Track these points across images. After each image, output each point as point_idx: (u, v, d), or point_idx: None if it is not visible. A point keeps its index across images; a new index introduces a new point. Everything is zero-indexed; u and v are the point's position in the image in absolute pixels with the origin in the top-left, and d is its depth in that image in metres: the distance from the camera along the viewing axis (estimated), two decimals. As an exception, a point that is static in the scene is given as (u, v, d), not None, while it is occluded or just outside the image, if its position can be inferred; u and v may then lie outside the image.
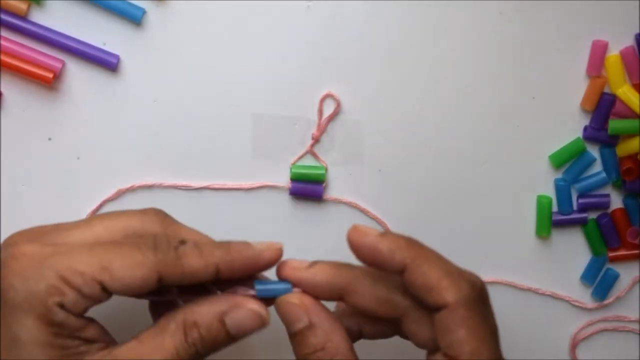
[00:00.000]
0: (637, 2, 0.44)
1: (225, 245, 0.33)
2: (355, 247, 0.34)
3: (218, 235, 0.45)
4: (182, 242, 0.33)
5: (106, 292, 0.31)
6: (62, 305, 0.30)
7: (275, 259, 0.34)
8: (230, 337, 0.32)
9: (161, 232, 0.34)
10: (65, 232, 0.33)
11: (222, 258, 0.32)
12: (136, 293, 0.32)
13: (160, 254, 0.32)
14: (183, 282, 0.32)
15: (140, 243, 0.32)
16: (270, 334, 0.43)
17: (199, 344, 0.32)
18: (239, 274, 0.33)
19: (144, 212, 0.35)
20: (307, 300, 0.34)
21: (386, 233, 0.34)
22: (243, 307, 0.32)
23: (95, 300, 0.31)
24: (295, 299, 0.33)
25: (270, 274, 0.36)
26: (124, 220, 0.34)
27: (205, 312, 0.32)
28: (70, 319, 0.31)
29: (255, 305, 0.33)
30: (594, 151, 0.45)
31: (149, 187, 0.44)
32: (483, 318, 0.33)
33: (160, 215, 0.36)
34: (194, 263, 0.32)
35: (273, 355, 0.44)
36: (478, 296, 0.33)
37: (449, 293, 0.32)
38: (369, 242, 0.34)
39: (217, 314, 0.32)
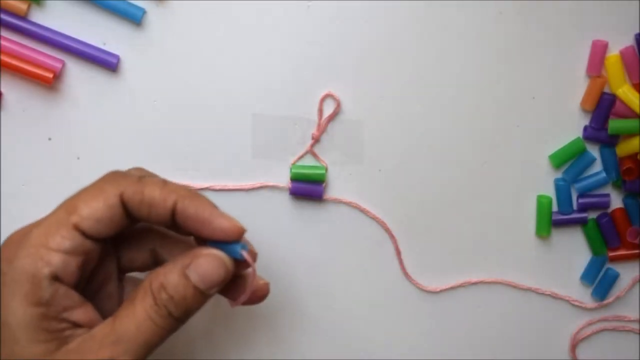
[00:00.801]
0: (637, 2, 0.44)
1: (192, 192, 0.33)
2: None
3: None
4: (151, 176, 0.33)
5: (87, 237, 0.31)
6: (55, 277, 0.30)
7: (230, 234, 0.32)
8: (199, 292, 0.32)
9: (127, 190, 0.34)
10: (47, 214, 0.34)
11: (181, 199, 0.32)
12: (112, 226, 0.31)
13: (122, 182, 0.32)
14: (142, 214, 0.32)
15: (104, 179, 0.33)
16: (270, 331, 0.43)
17: (170, 305, 0.31)
18: (192, 226, 0.32)
19: (114, 172, 0.35)
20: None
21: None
22: (202, 255, 0.32)
23: (82, 253, 0.31)
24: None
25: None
26: (96, 182, 0.34)
27: (168, 271, 0.32)
28: (60, 293, 0.30)
29: (213, 251, 0.32)
30: (594, 151, 0.45)
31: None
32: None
33: (136, 167, 0.36)
34: (155, 193, 0.32)
35: (271, 354, 0.44)
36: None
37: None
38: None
39: (179, 270, 0.31)
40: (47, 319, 0.30)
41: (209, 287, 0.32)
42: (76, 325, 0.31)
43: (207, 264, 0.32)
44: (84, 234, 0.31)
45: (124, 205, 0.32)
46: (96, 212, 0.31)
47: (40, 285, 0.30)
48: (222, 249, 0.32)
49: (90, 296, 0.33)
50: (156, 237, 0.36)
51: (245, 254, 0.32)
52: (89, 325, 0.31)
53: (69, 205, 0.32)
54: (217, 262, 0.32)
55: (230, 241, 0.32)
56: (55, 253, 0.30)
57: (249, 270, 0.33)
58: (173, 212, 0.32)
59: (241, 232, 0.33)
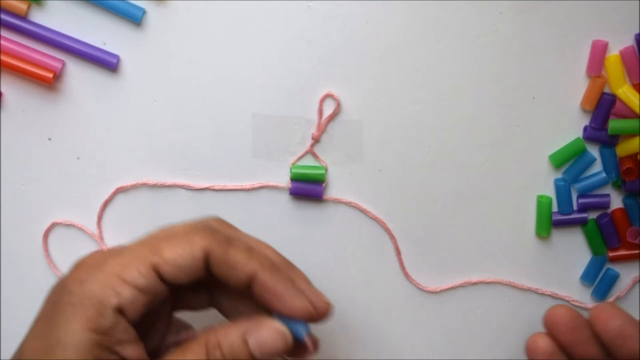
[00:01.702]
0: (637, 2, 0.44)
1: (274, 264, 0.33)
2: (598, 323, 0.38)
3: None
4: (237, 237, 0.33)
5: (162, 280, 0.31)
6: (120, 309, 0.30)
7: (298, 314, 0.32)
8: (253, 358, 0.32)
9: (213, 246, 0.34)
10: (127, 245, 0.34)
11: (263, 269, 0.32)
12: (189, 276, 0.31)
13: (210, 235, 0.32)
14: (222, 273, 0.32)
15: (193, 229, 0.32)
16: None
17: None
18: (265, 297, 0.32)
19: (204, 218, 0.35)
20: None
21: (635, 320, 0.36)
22: (266, 325, 0.32)
23: (152, 294, 0.31)
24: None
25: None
26: (181, 225, 0.34)
27: (228, 331, 0.31)
28: (119, 327, 0.30)
29: (278, 325, 0.32)
30: (594, 151, 0.45)
31: (151, 187, 0.44)
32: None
33: (220, 220, 0.35)
34: (239, 256, 0.32)
35: None
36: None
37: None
38: (615, 323, 0.39)
39: (240, 333, 0.31)
40: (101, 347, 0.30)
41: (264, 357, 0.32)
42: None
43: (269, 335, 0.32)
44: (161, 276, 0.31)
45: (206, 260, 0.32)
46: (179, 259, 0.31)
47: (104, 314, 0.30)
48: (287, 324, 0.32)
49: (141, 330, 0.33)
50: (219, 285, 0.35)
51: (307, 340, 0.32)
52: None
53: (154, 244, 0.32)
54: (279, 337, 0.32)
55: (299, 320, 0.32)
56: (127, 287, 0.30)
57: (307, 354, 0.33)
58: (250, 280, 0.32)
59: (310, 315, 0.32)
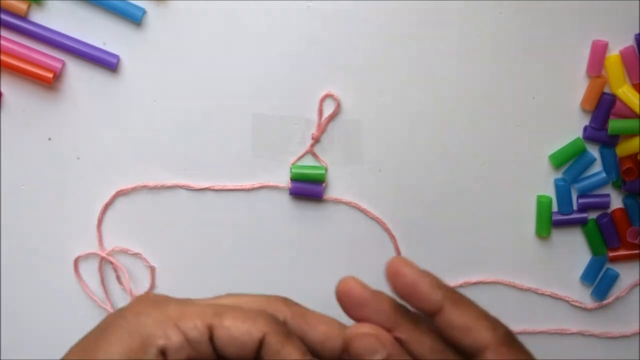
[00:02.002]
0: (637, 2, 0.44)
1: None
2: (394, 278, 0.33)
3: (217, 234, 0.45)
4: (297, 338, 0.33)
5: (212, 345, 0.31)
6: (163, 351, 0.30)
7: None
8: None
9: (286, 313, 0.34)
10: (195, 299, 0.34)
11: None
12: (238, 352, 0.31)
13: (273, 323, 0.32)
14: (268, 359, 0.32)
15: (259, 310, 0.32)
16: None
17: None
18: None
19: (272, 295, 0.35)
20: (380, 331, 0.32)
21: (427, 271, 0.33)
22: None
23: (199, 351, 0.31)
24: (368, 328, 0.32)
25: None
26: (250, 296, 0.34)
27: None
28: None
29: None
30: (594, 151, 0.45)
31: (151, 188, 0.44)
32: (524, 355, 0.33)
33: (288, 300, 0.35)
34: (294, 353, 0.31)
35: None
36: (514, 336, 0.33)
37: (488, 332, 0.32)
38: (410, 275, 0.32)
39: None
40: None
41: None
42: None
43: None
44: (213, 340, 0.31)
45: (261, 345, 0.31)
46: (236, 331, 0.31)
47: (147, 350, 0.30)
48: None
49: None
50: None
51: None
52: None
53: (219, 308, 0.31)
54: None
55: None
56: (178, 333, 0.30)
57: None
58: None
59: None
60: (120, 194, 0.44)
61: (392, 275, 0.33)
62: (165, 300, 0.32)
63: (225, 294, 0.35)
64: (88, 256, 0.44)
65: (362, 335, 0.32)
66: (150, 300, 0.32)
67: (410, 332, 0.33)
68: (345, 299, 0.33)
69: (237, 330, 0.31)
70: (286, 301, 0.35)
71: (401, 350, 0.32)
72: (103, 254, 0.43)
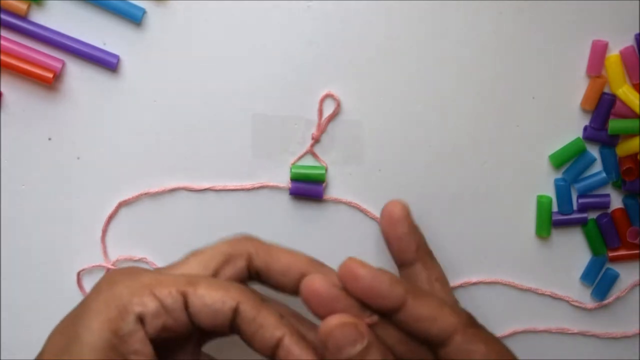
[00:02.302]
0: (637, 2, 0.44)
1: (301, 334, 0.32)
2: (350, 281, 0.32)
3: (218, 234, 0.45)
4: (272, 304, 0.33)
5: (187, 312, 0.31)
6: (140, 318, 0.30)
7: None
8: None
9: (250, 248, 0.35)
10: (167, 268, 0.34)
11: (289, 336, 0.32)
12: (213, 320, 0.31)
13: (247, 291, 0.32)
14: (249, 330, 0.32)
15: (235, 285, 0.32)
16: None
17: None
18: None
19: (232, 237, 0.35)
20: (357, 319, 0.32)
21: (382, 269, 0.33)
22: None
23: (174, 319, 0.31)
24: (345, 317, 0.31)
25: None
26: (213, 248, 0.35)
27: None
28: (137, 336, 0.30)
29: None
30: (594, 151, 0.45)
31: (153, 195, 0.44)
32: (488, 334, 0.33)
33: (250, 236, 0.36)
34: (270, 318, 0.32)
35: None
36: (475, 318, 0.33)
37: (453, 318, 0.32)
38: (368, 276, 0.32)
39: None
40: (115, 352, 0.30)
41: None
42: None
43: None
44: (187, 307, 0.31)
45: (236, 313, 0.32)
46: (209, 299, 0.31)
47: (125, 318, 0.30)
48: None
49: (164, 353, 0.33)
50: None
51: None
52: None
53: (193, 278, 0.32)
54: None
55: None
56: (154, 300, 0.31)
57: None
58: (277, 344, 0.32)
59: None
60: (123, 204, 0.44)
61: (348, 278, 0.32)
62: (139, 270, 0.33)
63: (190, 252, 0.35)
64: (92, 262, 0.44)
65: (340, 326, 0.31)
66: (124, 271, 0.32)
67: (378, 323, 0.33)
68: (312, 300, 0.32)
69: (210, 298, 0.31)
70: (251, 239, 0.35)
71: (378, 340, 0.32)
72: (109, 265, 0.43)
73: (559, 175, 0.45)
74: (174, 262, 0.35)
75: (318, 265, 0.35)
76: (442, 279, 0.38)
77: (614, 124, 0.43)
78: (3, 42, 0.41)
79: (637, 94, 0.43)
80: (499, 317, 0.46)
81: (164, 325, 0.31)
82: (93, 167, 0.43)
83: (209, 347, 0.37)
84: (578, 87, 0.44)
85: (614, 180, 0.45)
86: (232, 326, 0.32)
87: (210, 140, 0.44)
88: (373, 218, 0.45)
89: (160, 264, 0.44)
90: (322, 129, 0.44)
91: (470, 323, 0.33)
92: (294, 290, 0.34)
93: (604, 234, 0.45)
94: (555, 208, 0.45)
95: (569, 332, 0.46)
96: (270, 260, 0.35)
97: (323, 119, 0.44)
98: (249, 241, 0.35)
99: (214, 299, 0.31)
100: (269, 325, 0.32)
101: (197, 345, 0.35)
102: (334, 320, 0.31)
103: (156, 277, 0.32)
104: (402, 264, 0.38)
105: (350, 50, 0.43)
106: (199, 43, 0.43)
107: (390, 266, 0.45)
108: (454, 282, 0.45)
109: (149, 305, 0.31)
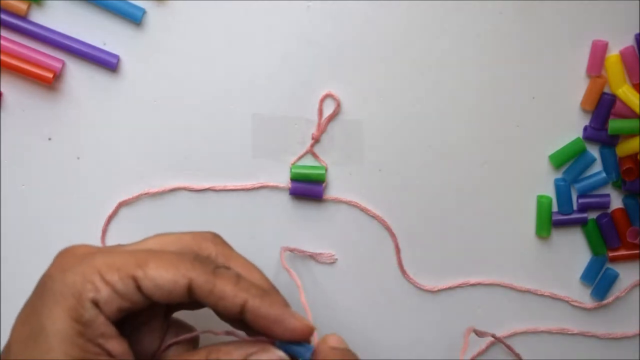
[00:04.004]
0: (637, 2, 0.44)
1: (264, 291, 0.33)
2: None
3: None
4: (226, 268, 0.33)
5: (140, 293, 0.31)
6: (96, 303, 0.30)
7: (300, 334, 0.32)
8: None
9: (212, 251, 0.35)
10: (120, 247, 0.34)
11: (252, 298, 0.32)
12: (168, 298, 0.31)
13: (197, 265, 0.32)
14: (209, 303, 0.32)
15: (182, 254, 0.33)
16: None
17: None
18: (261, 326, 0.32)
19: (199, 232, 0.35)
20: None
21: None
22: (270, 352, 0.32)
23: (129, 301, 0.31)
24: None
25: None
26: (177, 235, 0.35)
27: (230, 351, 0.31)
28: (99, 320, 0.30)
29: (282, 353, 0.32)
30: (594, 151, 0.45)
31: (153, 194, 0.44)
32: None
33: (216, 238, 0.35)
34: (227, 288, 0.32)
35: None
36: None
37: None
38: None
39: (242, 355, 0.31)
40: (84, 338, 0.30)
41: None
42: (110, 355, 0.31)
43: None
44: (140, 289, 0.31)
45: (191, 288, 0.32)
46: (160, 280, 0.31)
47: (83, 305, 0.30)
48: (291, 350, 0.32)
49: (133, 328, 0.33)
50: None
51: None
52: (121, 358, 0.31)
53: (142, 257, 0.32)
54: None
55: (300, 341, 0.32)
56: (106, 287, 0.31)
57: None
58: (242, 309, 0.32)
59: (311, 332, 0.32)
60: (123, 204, 0.44)
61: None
62: (90, 252, 0.32)
63: (153, 235, 0.35)
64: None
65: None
66: (73, 254, 0.32)
67: None
68: None
69: (161, 279, 0.31)
70: (214, 238, 0.35)
71: None
72: None
73: (559, 175, 0.45)
74: (136, 241, 0.35)
75: (265, 295, 0.33)
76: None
77: (614, 124, 0.43)
78: (3, 42, 0.41)
79: (637, 94, 0.43)
80: (499, 317, 0.46)
81: (120, 308, 0.31)
82: (93, 167, 0.43)
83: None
84: (578, 87, 0.44)
85: (614, 180, 0.45)
86: (192, 299, 0.32)
87: (210, 141, 0.44)
88: (373, 216, 0.45)
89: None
90: (322, 129, 0.44)
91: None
92: (234, 315, 0.33)
93: (604, 234, 0.45)
94: (555, 208, 0.45)
95: (570, 332, 0.46)
96: (220, 279, 0.33)
97: (323, 119, 0.44)
98: (212, 241, 0.35)
99: (165, 279, 0.31)
100: (227, 296, 0.32)
101: (166, 313, 0.35)
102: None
103: (105, 260, 0.31)
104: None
105: (350, 50, 0.43)
106: (198, 43, 0.43)
107: (390, 269, 0.45)
108: (454, 281, 0.45)
109: (102, 291, 0.30)
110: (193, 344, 0.35)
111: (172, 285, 0.31)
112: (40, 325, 0.30)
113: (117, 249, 0.33)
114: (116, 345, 0.31)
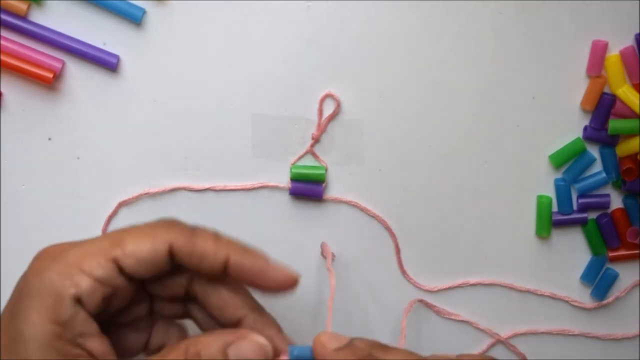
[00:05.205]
0: (637, 2, 0.44)
1: (243, 245, 0.33)
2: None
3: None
4: (204, 228, 0.33)
5: (122, 273, 0.31)
6: (78, 299, 0.30)
7: (283, 284, 0.33)
8: None
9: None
10: (92, 237, 0.34)
11: (234, 252, 0.32)
12: (151, 270, 0.31)
13: (174, 228, 0.32)
14: (192, 264, 0.32)
15: (156, 222, 0.32)
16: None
17: None
18: (246, 278, 0.32)
19: (168, 219, 0.35)
20: None
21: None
22: (248, 339, 0.32)
23: (111, 286, 0.31)
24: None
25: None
26: (149, 224, 0.34)
27: (209, 342, 0.31)
28: (79, 318, 0.30)
29: (260, 339, 0.32)
30: (594, 151, 0.45)
31: (153, 194, 0.44)
32: None
33: (174, 221, 0.35)
34: (207, 245, 0.32)
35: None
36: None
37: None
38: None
39: (221, 345, 0.31)
40: (62, 340, 0.30)
41: None
42: (91, 355, 0.30)
43: (250, 349, 0.31)
44: (121, 270, 0.31)
45: (172, 253, 0.31)
46: (140, 252, 0.31)
47: (62, 304, 0.30)
48: (296, 350, 0.32)
49: (117, 327, 0.33)
50: (195, 297, 0.35)
51: None
52: (102, 358, 0.31)
53: (116, 237, 0.32)
54: (260, 351, 0.31)
55: (285, 291, 0.33)
56: (86, 277, 0.30)
57: None
58: (225, 265, 0.32)
59: (296, 282, 0.33)
60: (123, 204, 0.44)
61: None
62: (62, 249, 0.32)
63: (122, 228, 0.34)
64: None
65: None
66: (47, 255, 0.32)
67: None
68: None
69: (140, 251, 0.31)
70: (174, 222, 0.34)
71: None
72: None
73: (559, 175, 0.45)
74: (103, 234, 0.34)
75: (246, 249, 0.33)
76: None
77: (614, 124, 0.43)
78: (3, 42, 0.41)
79: (637, 94, 0.43)
80: (499, 317, 0.46)
81: (103, 296, 0.31)
82: (93, 167, 0.43)
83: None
84: (578, 87, 0.44)
85: (614, 180, 0.45)
86: (174, 266, 0.32)
87: (210, 141, 0.44)
88: (373, 216, 0.45)
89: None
90: (322, 129, 0.44)
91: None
92: (218, 274, 0.33)
93: (604, 234, 0.45)
94: (555, 208, 0.45)
95: (570, 333, 0.46)
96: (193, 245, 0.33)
97: (323, 119, 0.44)
98: (176, 225, 0.34)
99: (145, 251, 0.31)
100: (209, 253, 0.32)
101: (148, 314, 0.35)
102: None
103: (80, 252, 0.31)
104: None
105: (350, 50, 0.43)
106: (198, 43, 0.43)
107: (390, 269, 0.45)
108: (454, 281, 0.45)
109: (82, 284, 0.30)
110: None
111: (153, 254, 0.31)
112: (17, 332, 0.30)
113: (90, 239, 0.33)
114: (97, 344, 0.30)
